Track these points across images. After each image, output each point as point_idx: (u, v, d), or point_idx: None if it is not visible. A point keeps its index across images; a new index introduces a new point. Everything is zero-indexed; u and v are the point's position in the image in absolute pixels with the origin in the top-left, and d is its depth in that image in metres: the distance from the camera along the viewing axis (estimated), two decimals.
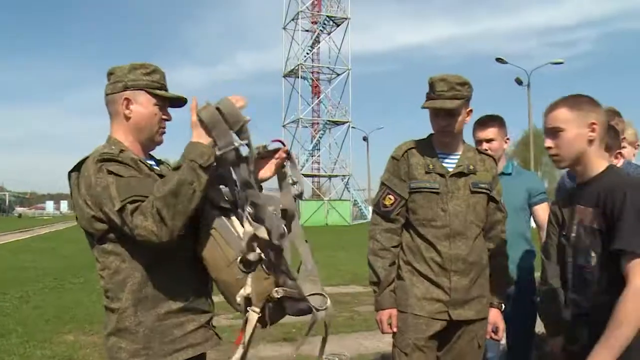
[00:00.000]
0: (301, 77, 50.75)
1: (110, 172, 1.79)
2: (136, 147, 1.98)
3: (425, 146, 2.77)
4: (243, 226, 1.83)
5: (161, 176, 1.92)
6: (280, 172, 2.01)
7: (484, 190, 2.73)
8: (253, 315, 1.82)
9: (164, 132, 2.05)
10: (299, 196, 1.99)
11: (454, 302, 2.63)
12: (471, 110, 2.74)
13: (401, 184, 2.73)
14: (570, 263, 2.12)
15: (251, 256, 1.80)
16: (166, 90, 2.01)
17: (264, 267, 1.82)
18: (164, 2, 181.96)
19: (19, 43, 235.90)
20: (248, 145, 1.78)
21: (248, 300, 1.82)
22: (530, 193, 3.50)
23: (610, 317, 1.84)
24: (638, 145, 3.27)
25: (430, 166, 2.70)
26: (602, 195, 1.98)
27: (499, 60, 31.12)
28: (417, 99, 2.78)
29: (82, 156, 1.90)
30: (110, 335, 1.88)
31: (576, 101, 2.11)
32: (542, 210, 3.41)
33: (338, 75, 51.82)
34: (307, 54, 50.68)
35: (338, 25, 51.07)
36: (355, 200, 51.12)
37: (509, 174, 3.51)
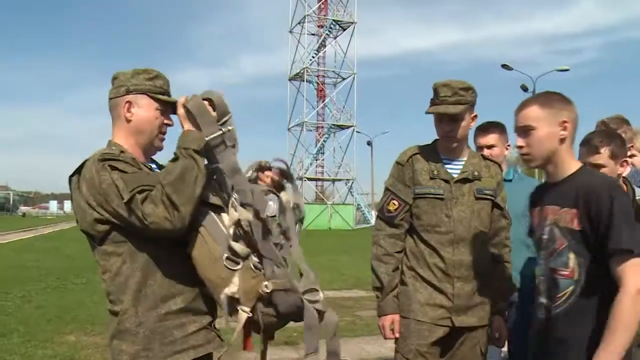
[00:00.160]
0: (307, 81, 50.78)
1: (114, 169, 1.81)
2: (136, 151, 1.99)
3: (430, 152, 2.76)
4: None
5: None
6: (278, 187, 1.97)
7: (489, 197, 2.72)
8: (242, 315, 1.79)
9: (164, 138, 2.06)
10: (300, 221, 1.98)
11: (457, 309, 2.62)
12: (476, 116, 2.74)
13: (405, 190, 2.72)
14: (542, 266, 2.08)
15: (236, 246, 1.77)
16: (169, 96, 2.02)
17: (252, 266, 1.79)
18: (167, 3, 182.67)
19: (20, 43, 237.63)
20: (234, 138, 1.85)
21: (234, 300, 1.79)
22: None
23: (608, 320, 1.82)
24: None
25: (435, 172, 2.69)
26: (583, 196, 1.93)
27: (504, 66, 31.11)
28: (422, 104, 2.78)
29: (83, 159, 1.92)
30: (112, 338, 1.88)
31: (547, 99, 2.07)
32: None
33: (343, 79, 51.85)
34: (313, 57, 50.72)
35: (344, 30, 51.12)
36: (358, 205, 51.07)
37: (510, 180, 3.50)
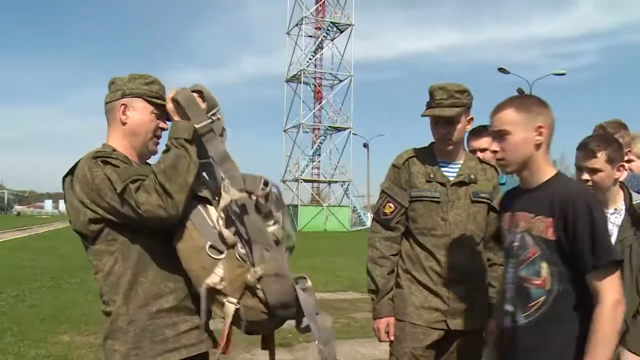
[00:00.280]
0: (303, 83, 50.76)
1: (106, 163, 1.83)
2: (130, 153, 2.00)
3: (426, 155, 2.76)
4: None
5: None
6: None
7: (485, 200, 2.72)
8: (229, 307, 1.76)
9: (159, 142, 2.07)
10: (290, 250, 1.96)
11: (452, 312, 2.62)
12: (472, 119, 2.74)
13: (402, 193, 2.72)
14: (511, 273, 2.04)
15: (225, 232, 1.77)
16: (164, 101, 2.03)
17: (237, 255, 1.78)
18: (166, 4, 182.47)
19: (19, 42, 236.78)
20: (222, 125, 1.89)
21: (215, 292, 1.77)
22: None
23: (589, 333, 1.81)
24: None
25: (431, 175, 2.69)
26: (559, 205, 1.89)
27: (501, 70, 31.17)
28: (419, 106, 2.78)
29: (76, 160, 1.93)
30: (106, 338, 1.89)
31: (523, 102, 2.02)
32: None
33: (340, 81, 51.82)
34: (310, 59, 50.69)
35: (342, 32, 51.12)
36: (354, 207, 51.06)
37: (503, 184, 3.51)
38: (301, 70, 49.77)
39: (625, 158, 2.68)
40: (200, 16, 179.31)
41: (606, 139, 2.54)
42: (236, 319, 1.78)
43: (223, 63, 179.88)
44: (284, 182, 51.56)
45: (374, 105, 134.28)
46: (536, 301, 1.94)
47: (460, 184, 2.69)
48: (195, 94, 1.87)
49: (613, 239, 2.44)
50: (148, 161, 2.10)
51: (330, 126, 51.01)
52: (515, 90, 31.29)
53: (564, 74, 33.86)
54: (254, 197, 1.82)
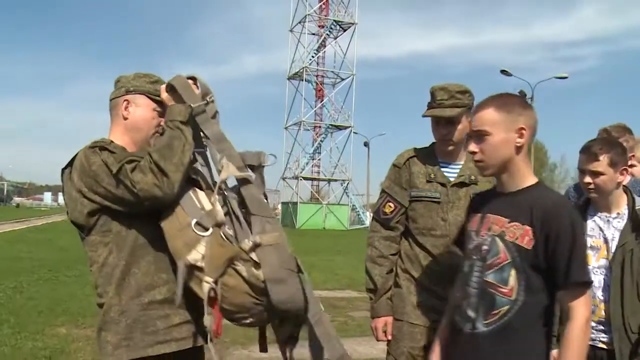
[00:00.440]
0: (305, 80, 50.74)
1: (103, 149, 1.85)
2: (131, 149, 2.01)
3: (427, 155, 2.76)
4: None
5: None
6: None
7: None
8: (204, 286, 1.73)
9: None
10: None
11: None
12: None
13: (402, 192, 2.72)
14: (476, 277, 1.93)
15: (217, 207, 1.77)
16: None
17: (222, 234, 1.77)
18: (169, 1, 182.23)
19: (20, 34, 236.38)
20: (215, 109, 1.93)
21: (195, 269, 1.74)
22: None
23: (561, 350, 1.79)
24: None
25: (432, 175, 2.69)
26: (541, 216, 1.82)
27: (503, 72, 31.15)
28: (420, 107, 2.78)
29: (76, 152, 1.94)
30: (99, 330, 1.90)
31: (505, 102, 1.91)
32: None
33: (342, 79, 51.80)
34: (313, 57, 50.67)
35: (345, 30, 51.07)
36: (353, 206, 51.06)
37: None
38: (303, 68, 49.74)
39: (629, 163, 2.67)
40: (203, 13, 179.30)
41: (609, 142, 2.53)
42: (214, 300, 1.73)
43: (225, 60, 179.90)
44: (283, 179, 51.61)
45: (376, 104, 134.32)
46: (499, 310, 1.86)
47: (460, 184, 2.69)
48: (189, 81, 1.91)
49: (614, 244, 2.45)
50: None
51: (331, 124, 51.00)
52: (517, 92, 31.35)
53: (566, 78, 33.87)
54: (251, 174, 1.84)
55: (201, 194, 1.84)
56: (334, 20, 50.13)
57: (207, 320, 1.74)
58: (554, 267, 1.80)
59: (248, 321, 1.80)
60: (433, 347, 2.13)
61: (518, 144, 1.89)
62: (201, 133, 1.91)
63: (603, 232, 2.51)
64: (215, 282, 1.72)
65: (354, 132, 50.16)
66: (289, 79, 52.36)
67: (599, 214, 2.55)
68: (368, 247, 2.78)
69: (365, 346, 5.85)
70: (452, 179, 2.69)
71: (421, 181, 2.70)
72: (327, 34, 50.56)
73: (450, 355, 2.04)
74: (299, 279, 1.77)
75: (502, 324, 1.85)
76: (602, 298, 2.45)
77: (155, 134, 2.04)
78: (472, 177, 2.71)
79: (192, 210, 1.79)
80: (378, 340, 2.77)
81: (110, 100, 2.06)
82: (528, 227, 1.83)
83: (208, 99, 1.90)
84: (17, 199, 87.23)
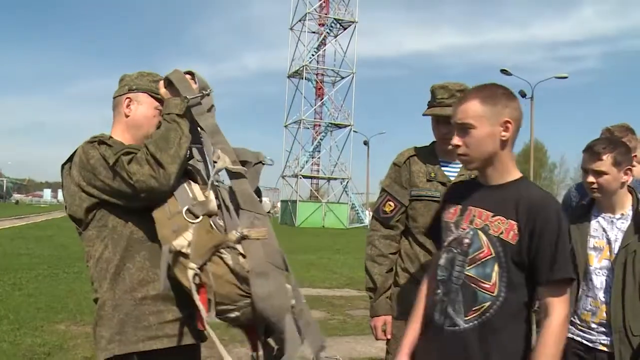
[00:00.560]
0: (305, 79, 50.72)
1: (102, 143, 1.87)
2: None
3: (427, 154, 2.76)
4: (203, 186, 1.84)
5: None
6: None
7: None
8: (189, 273, 1.70)
9: None
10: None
11: None
12: None
13: (402, 191, 2.73)
14: (457, 271, 1.87)
15: (211, 196, 1.78)
16: None
17: (212, 223, 1.77)
18: None
19: (20, 32, 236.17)
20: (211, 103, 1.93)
21: (181, 255, 1.72)
22: None
23: (537, 345, 1.74)
24: None
25: (432, 174, 2.69)
26: (527, 210, 1.78)
27: (503, 71, 31.12)
28: (421, 106, 2.79)
29: (76, 148, 1.96)
30: (95, 325, 1.92)
31: (490, 94, 1.84)
32: None
33: (342, 78, 51.77)
34: (313, 55, 50.64)
35: (345, 29, 51.03)
36: (353, 204, 51.07)
37: None
38: (303, 66, 49.71)
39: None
40: (203, 11, 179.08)
41: (613, 141, 2.50)
42: (202, 289, 1.72)
43: (226, 58, 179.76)
44: (283, 177, 51.62)
45: (375, 103, 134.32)
46: (481, 305, 1.81)
47: None
48: (187, 75, 1.93)
49: (617, 245, 2.42)
50: None
51: (331, 123, 50.98)
52: (517, 92, 31.34)
53: (566, 77, 33.87)
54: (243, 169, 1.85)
55: (195, 187, 1.85)
56: (334, 19, 50.09)
57: (199, 307, 1.71)
58: (537, 263, 1.77)
59: (233, 315, 1.77)
60: (402, 345, 2.04)
61: (503, 138, 1.83)
62: (198, 127, 1.92)
63: (606, 232, 2.48)
64: (201, 270, 1.71)
65: (353, 131, 50.16)
66: (289, 77, 52.34)
67: (603, 214, 2.52)
68: (368, 246, 2.79)
69: (364, 345, 5.85)
70: (452, 178, 2.69)
71: (421, 180, 2.70)
72: (327, 33, 50.53)
73: (426, 353, 1.97)
74: (284, 276, 1.77)
75: (483, 320, 1.81)
76: (603, 299, 2.42)
77: None
78: (473, 176, 2.71)
79: (184, 199, 1.79)
80: (377, 339, 2.77)
81: (114, 98, 2.08)
82: (513, 222, 1.80)
83: (204, 92, 1.91)
84: (16, 196, 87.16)
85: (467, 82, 2.73)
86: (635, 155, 2.95)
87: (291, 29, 52.66)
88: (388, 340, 2.72)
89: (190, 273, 1.70)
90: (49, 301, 7.40)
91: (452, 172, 2.72)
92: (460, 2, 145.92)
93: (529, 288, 1.82)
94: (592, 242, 2.49)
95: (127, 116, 2.03)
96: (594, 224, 2.52)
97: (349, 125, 50.32)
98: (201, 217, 1.77)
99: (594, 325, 2.44)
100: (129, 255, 1.88)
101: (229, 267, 1.72)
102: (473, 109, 1.83)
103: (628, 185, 2.51)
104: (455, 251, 1.89)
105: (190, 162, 1.91)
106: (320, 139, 51.26)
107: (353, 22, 50.09)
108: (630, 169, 2.45)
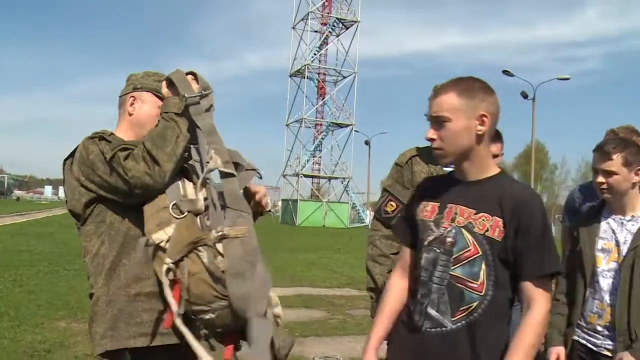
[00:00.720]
0: (307, 78, 50.75)
1: (102, 139, 1.88)
2: None
3: (429, 154, 2.74)
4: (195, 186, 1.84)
5: None
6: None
7: None
8: (163, 267, 1.69)
9: None
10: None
11: None
12: None
13: (404, 191, 2.72)
14: (440, 271, 1.81)
15: (200, 196, 1.78)
16: None
17: (199, 221, 1.75)
18: None
19: (23, 29, 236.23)
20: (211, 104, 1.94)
21: (160, 249, 1.71)
22: None
23: (518, 338, 1.70)
24: None
25: (434, 174, 2.69)
26: (511, 206, 1.75)
27: (505, 72, 31.11)
28: (422, 106, 2.77)
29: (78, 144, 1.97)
30: (90, 321, 1.93)
31: (467, 87, 1.80)
32: None
33: (344, 77, 51.84)
34: (315, 54, 50.68)
35: (347, 28, 51.09)
36: (353, 204, 51.10)
37: None
38: (305, 65, 49.77)
39: None
40: (205, 10, 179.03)
41: (624, 141, 2.46)
42: (176, 286, 1.70)
43: (227, 57, 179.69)
44: (284, 176, 51.65)
45: (377, 102, 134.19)
46: (469, 305, 1.77)
47: None
48: (189, 76, 1.93)
49: (626, 247, 2.38)
50: None
51: (332, 122, 51.04)
52: (519, 93, 31.34)
53: (568, 79, 33.87)
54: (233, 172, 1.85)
55: (189, 185, 1.85)
56: (337, 18, 50.14)
57: (169, 301, 1.70)
58: (523, 259, 1.74)
59: (208, 316, 1.73)
60: (369, 339, 1.97)
61: (479, 132, 1.78)
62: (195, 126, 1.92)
63: (615, 234, 2.43)
64: (177, 266, 1.70)
65: (355, 130, 50.22)
66: (290, 76, 52.41)
67: (613, 216, 2.47)
68: (369, 246, 2.78)
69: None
70: None
71: None
72: (329, 32, 50.57)
73: (399, 354, 1.93)
74: (261, 274, 1.73)
75: (471, 320, 1.77)
76: (609, 302, 2.38)
77: None
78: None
79: (174, 195, 1.79)
80: None
81: (119, 97, 2.11)
82: (498, 218, 1.76)
83: (203, 92, 1.91)
84: (17, 192, 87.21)
85: None
86: None
87: (293, 28, 52.70)
88: (389, 341, 2.71)
89: (164, 267, 1.70)
90: (50, 298, 7.41)
91: None
92: (462, 2, 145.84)
93: (512, 285, 1.80)
94: (600, 244, 2.45)
95: (131, 114, 2.05)
96: (603, 225, 2.48)
97: (351, 125, 50.37)
98: (186, 214, 1.76)
99: (599, 328, 2.40)
100: (125, 251, 1.89)
101: (204, 265, 1.70)
102: (449, 101, 1.78)
103: (639, 186, 2.45)
104: (437, 251, 1.83)
105: (189, 161, 1.92)
106: (322, 138, 51.31)
107: (355, 22, 50.15)
108: None
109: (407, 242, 2.00)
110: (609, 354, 2.37)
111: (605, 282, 2.40)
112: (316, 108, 51.50)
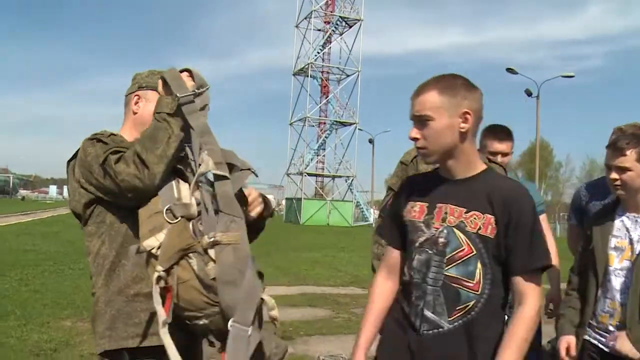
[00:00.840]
0: (311, 76, 50.78)
1: (99, 141, 1.88)
2: None
3: None
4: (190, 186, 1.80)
5: None
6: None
7: None
8: (154, 275, 1.67)
9: None
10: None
11: None
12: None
13: None
14: (434, 272, 1.80)
15: (193, 201, 1.73)
16: None
17: (191, 227, 1.72)
18: None
19: (28, 28, 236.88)
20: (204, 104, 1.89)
21: (152, 256, 1.70)
22: None
23: (510, 333, 1.70)
24: None
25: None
26: (501, 202, 1.74)
27: (509, 70, 31.07)
28: None
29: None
30: (92, 321, 1.94)
31: (449, 84, 1.78)
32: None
33: (348, 76, 51.85)
34: (318, 53, 50.68)
35: (350, 27, 51.05)
36: (357, 202, 51.09)
37: None
38: (309, 64, 49.78)
39: None
40: (209, 8, 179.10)
41: (636, 137, 2.40)
42: (167, 292, 1.69)
43: (231, 55, 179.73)
44: (288, 175, 51.69)
45: (381, 101, 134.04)
46: (465, 305, 1.77)
47: None
48: (184, 73, 1.89)
49: (638, 247, 2.34)
50: None
51: (336, 121, 51.05)
52: (524, 91, 31.28)
53: (572, 77, 33.75)
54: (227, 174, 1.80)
55: (184, 187, 1.81)
56: (340, 17, 50.11)
57: (158, 310, 1.68)
58: (514, 254, 1.73)
59: (201, 322, 1.73)
60: (358, 341, 1.96)
61: (462, 129, 1.77)
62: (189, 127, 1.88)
63: (629, 232, 2.37)
64: (168, 273, 1.68)
65: (358, 129, 50.24)
66: (294, 74, 52.41)
67: (628, 213, 2.42)
68: (374, 245, 2.78)
69: None
70: None
71: None
72: (332, 30, 50.55)
73: (392, 355, 1.93)
74: (253, 282, 1.70)
75: (468, 319, 1.77)
76: (621, 301, 2.33)
77: None
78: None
79: (167, 198, 1.76)
80: None
81: (125, 96, 2.11)
82: (489, 216, 1.75)
83: (197, 90, 1.85)
84: (22, 192, 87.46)
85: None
86: None
87: (297, 26, 52.69)
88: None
89: (155, 275, 1.68)
90: (55, 297, 7.44)
91: None
92: (465, 0, 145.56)
93: (505, 282, 1.79)
94: (613, 242, 2.40)
95: (135, 113, 2.06)
96: (617, 223, 2.42)
97: (354, 123, 50.36)
98: (180, 219, 1.73)
99: (611, 328, 2.34)
100: (125, 251, 1.88)
101: (195, 272, 1.68)
102: (431, 100, 1.77)
103: None
104: (430, 252, 1.81)
105: (187, 160, 1.88)
106: (325, 137, 51.33)
107: (359, 20, 50.11)
108: None
109: (393, 243, 1.99)
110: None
111: (618, 281, 2.35)
112: (320, 107, 51.51)
